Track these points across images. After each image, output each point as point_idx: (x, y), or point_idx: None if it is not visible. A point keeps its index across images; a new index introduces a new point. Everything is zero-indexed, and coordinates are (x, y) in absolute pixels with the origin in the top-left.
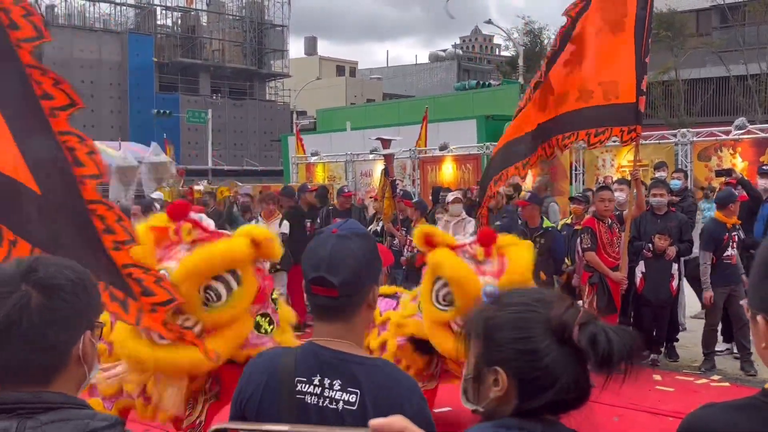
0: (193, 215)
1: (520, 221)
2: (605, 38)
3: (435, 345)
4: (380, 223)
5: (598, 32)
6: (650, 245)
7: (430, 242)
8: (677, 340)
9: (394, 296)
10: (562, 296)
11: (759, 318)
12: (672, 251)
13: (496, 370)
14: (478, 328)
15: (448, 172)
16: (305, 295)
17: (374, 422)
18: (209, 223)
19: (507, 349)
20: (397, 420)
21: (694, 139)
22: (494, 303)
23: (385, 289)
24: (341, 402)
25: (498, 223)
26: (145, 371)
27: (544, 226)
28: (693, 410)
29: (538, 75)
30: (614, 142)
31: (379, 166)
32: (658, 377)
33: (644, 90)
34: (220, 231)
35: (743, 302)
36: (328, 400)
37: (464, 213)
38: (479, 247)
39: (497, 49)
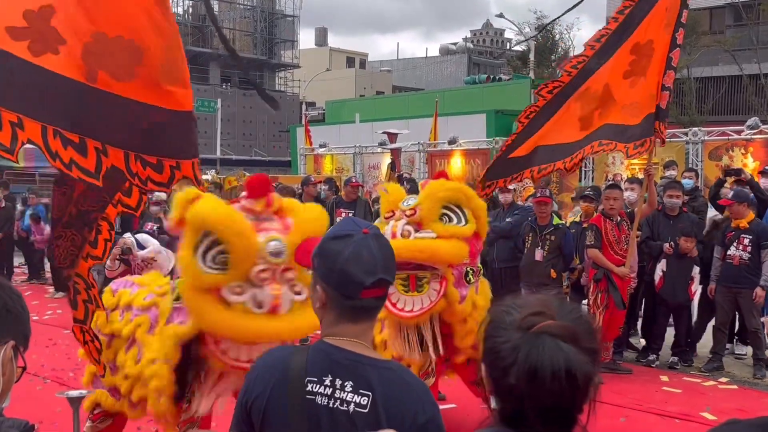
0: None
1: (530, 218)
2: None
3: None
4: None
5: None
6: (670, 245)
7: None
8: (691, 343)
9: None
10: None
11: None
12: (695, 252)
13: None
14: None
15: (456, 166)
16: (334, 300)
17: None
18: None
19: (485, 348)
20: None
21: (706, 138)
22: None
23: None
24: (352, 404)
25: (509, 219)
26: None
27: (554, 223)
28: (717, 426)
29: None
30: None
31: (387, 159)
32: (665, 378)
33: (667, 86)
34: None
35: (764, 319)
36: (339, 401)
37: None
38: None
39: (508, 44)
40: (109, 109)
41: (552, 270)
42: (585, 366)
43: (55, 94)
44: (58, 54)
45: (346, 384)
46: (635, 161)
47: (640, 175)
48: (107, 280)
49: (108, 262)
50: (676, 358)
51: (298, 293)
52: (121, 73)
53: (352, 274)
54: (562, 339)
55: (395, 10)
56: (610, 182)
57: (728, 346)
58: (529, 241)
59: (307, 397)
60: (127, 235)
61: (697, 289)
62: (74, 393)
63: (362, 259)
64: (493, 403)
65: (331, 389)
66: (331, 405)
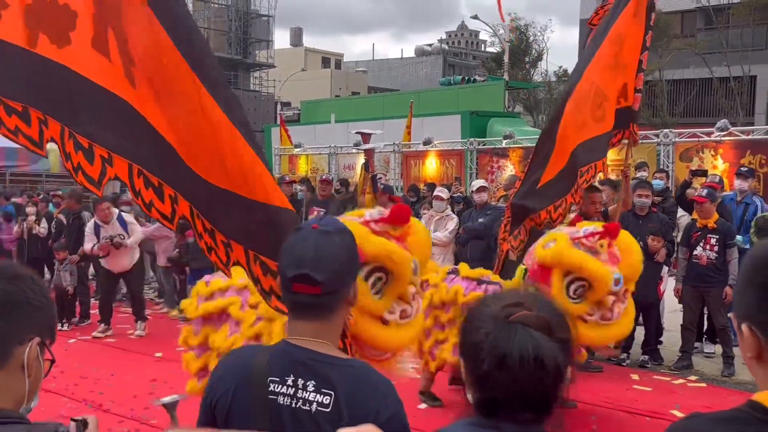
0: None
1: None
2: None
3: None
4: None
5: (618, 40)
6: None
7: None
8: (661, 342)
9: (478, 280)
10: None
11: (744, 327)
12: (663, 253)
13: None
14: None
15: (431, 167)
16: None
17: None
18: None
19: (464, 342)
20: (368, 429)
21: (676, 139)
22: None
23: (468, 271)
24: (315, 403)
25: (481, 220)
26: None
27: None
28: (680, 419)
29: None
30: None
31: (362, 160)
32: (635, 377)
33: (639, 88)
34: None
35: (731, 314)
36: (301, 401)
37: (449, 209)
38: (602, 240)
39: (483, 45)
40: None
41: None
42: (554, 353)
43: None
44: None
45: (308, 384)
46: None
47: (613, 176)
48: (81, 279)
49: (97, 250)
50: (646, 357)
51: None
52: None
53: (282, 265)
54: (535, 328)
55: (366, 11)
56: (591, 184)
57: (697, 344)
58: None
59: (270, 397)
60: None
61: (665, 288)
62: (168, 399)
63: (293, 251)
64: (469, 397)
65: (293, 389)
66: (293, 405)
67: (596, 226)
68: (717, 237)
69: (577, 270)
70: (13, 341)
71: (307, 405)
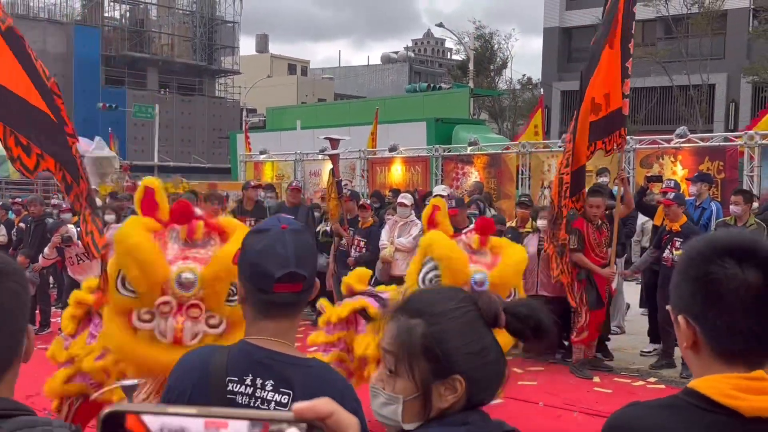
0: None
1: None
2: (607, 51)
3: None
4: (329, 224)
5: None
6: None
7: (432, 221)
8: (609, 339)
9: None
10: (470, 291)
11: (680, 318)
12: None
13: (453, 379)
14: (414, 347)
15: (397, 173)
16: (250, 294)
17: (298, 406)
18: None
19: (460, 357)
20: (323, 402)
21: (637, 146)
22: (418, 316)
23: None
24: (273, 403)
25: None
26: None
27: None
28: (620, 408)
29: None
30: (560, 147)
31: (328, 166)
32: (596, 379)
33: (626, 93)
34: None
35: (668, 306)
36: (259, 400)
37: (413, 215)
38: (475, 236)
39: (449, 53)
40: None
41: None
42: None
43: None
44: None
45: (266, 383)
46: None
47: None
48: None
49: (46, 250)
50: (598, 354)
51: (214, 326)
52: None
53: (263, 267)
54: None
55: (327, 19)
56: (593, 188)
57: (656, 347)
58: None
59: (228, 396)
60: (71, 226)
61: (618, 287)
62: (128, 382)
63: (274, 252)
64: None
65: (251, 388)
66: (251, 404)
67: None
68: (682, 240)
69: (431, 252)
70: (22, 336)
71: (265, 404)
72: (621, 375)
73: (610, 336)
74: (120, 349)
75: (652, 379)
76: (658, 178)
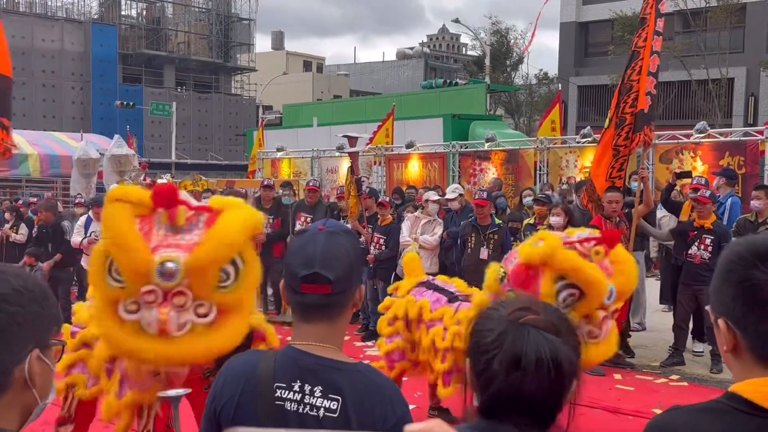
0: (183, 195)
1: (471, 218)
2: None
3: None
4: (347, 221)
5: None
6: None
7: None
8: (630, 336)
9: (450, 296)
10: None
11: (720, 321)
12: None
13: None
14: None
15: (414, 170)
16: (287, 296)
17: (409, 428)
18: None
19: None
20: (435, 424)
21: (656, 141)
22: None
23: (445, 280)
24: (322, 409)
25: (463, 222)
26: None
27: (496, 222)
28: (661, 412)
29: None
30: (578, 143)
31: (345, 163)
32: (618, 376)
33: (651, 92)
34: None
35: (707, 307)
36: (308, 407)
37: (437, 214)
38: (599, 247)
39: (464, 49)
40: None
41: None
42: (569, 355)
43: None
44: None
45: (315, 389)
46: (587, 164)
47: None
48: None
49: (84, 246)
50: (619, 351)
51: (203, 315)
52: None
53: (292, 266)
54: (547, 331)
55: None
56: (612, 186)
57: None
58: (473, 241)
59: (276, 403)
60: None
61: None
62: (172, 393)
63: (304, 252)
64: (474, 401)
65: (300, 395)
66: (300, 411)
67: (592, 232)
68: (712, 238)
69: (571, 272)
70: (10, 365)
71: (315, 411)
72: (643, 372)
73: (631, 333)
74: (109, 342)
75: (674, 377)
76: (688, 174)
